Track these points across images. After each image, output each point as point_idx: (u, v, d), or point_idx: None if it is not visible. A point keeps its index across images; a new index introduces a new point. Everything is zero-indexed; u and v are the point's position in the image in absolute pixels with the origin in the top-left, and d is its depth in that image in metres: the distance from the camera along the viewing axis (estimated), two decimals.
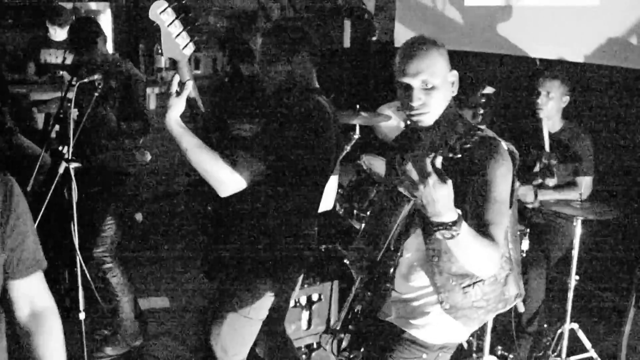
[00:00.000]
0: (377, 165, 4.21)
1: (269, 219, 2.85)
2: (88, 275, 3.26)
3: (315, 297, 4.04)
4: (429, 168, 1.96)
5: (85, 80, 3.26)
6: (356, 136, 4.75)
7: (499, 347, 4.06)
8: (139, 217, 5.99)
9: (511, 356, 4.04)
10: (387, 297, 2.55)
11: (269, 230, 2.86)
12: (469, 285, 2.44)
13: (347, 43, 7.20)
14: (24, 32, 7.25)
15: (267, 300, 2.91)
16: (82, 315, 3.25)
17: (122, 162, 4.17)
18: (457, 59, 5.92)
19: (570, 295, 3.96)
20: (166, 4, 2.50)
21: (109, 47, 8.09)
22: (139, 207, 5.92)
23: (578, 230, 3.87)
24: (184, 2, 2.57)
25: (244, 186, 2.69)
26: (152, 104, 6.84)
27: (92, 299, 3.70)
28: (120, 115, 3.99)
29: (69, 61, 6.37)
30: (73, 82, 3.35)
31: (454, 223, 2.06)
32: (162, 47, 2.54)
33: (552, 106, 4.30)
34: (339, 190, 4.29)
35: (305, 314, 4.01)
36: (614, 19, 4.68)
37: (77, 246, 3.16)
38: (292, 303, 3.89)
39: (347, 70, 7.18)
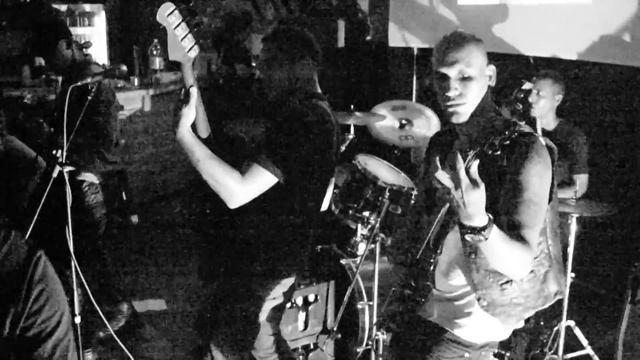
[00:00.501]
0: (372, 164, 4.21)
1: (270, 222, 2.86)
2: (83, 279, 3.25)
3: (311, 298, 4.04)
4: (463, 173, 1.96)
5: (79, 84, 3.23)
6: (350, 136, 4.75)
7: None
8: (134, 219, 5.97)
9: (508, 354, 4.03)
10: (427, 295, 2.55)
11: (270, 232, 2.86)
12: (506, 282, 2.42)
13: (341, 43, 7.21)
14: (19, 35, 7.23)
15: (269, 303, 2.91)
16: (77, 319, 3.25)
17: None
18: None
19: (567, 292, 3.96)
20: (173, 7, 2.50)
21: (103, 49, 8.13)
22: (135, 209, 5.91)
23: (573, 227, 3.87)
24: (190, 4, 2.57)
25: (253, 197, 2.70)
26: (147, 106, 6.83)
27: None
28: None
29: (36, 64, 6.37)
30: (77, 83, 3.31)
31: (484, 228, 2.06)
32: (168, 50, 2.53)
33: (543, 105, 4.30)
34: (335, 191, 4.29)
35: (301, 315, 4.02)
36: (606, 16, 4.69)
37: (72, 249, 3.15)
38: (288, 304, 3.91)
39: (342, 70, 7.18)
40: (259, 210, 2.81)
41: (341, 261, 4.11)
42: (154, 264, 5.64)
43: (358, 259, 4.04)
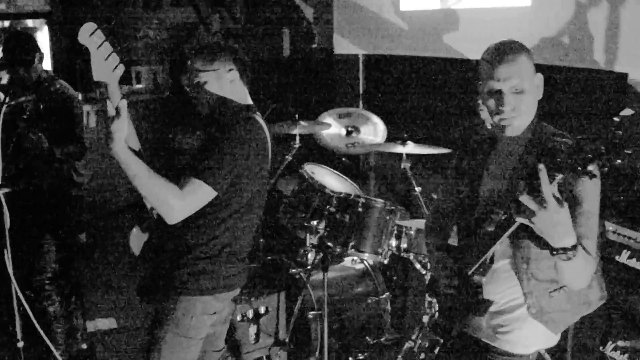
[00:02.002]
0: (319, 173, 4.21)
1: (205, 236, 2.82)
2: (25, 304, 3.17)
3: (262, 310, 4.00)
4: (549, 194, 1.95)
5: (12, 102, 3.17)
6: (296, 145, 4.74)
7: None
8: (82, 237, 5.88)
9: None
10: (481, 308, 2.48)
11: (205, 246, 2.83)
12: (555, 290, 2.43)
13: (286, 52, 7.20)
14: None
15: (207, 318, 2.87)
16: (20, 344, 3.19)
17: (60, 186, 4.09)
18: (398, 64, 5.98)
19: None
20: (95, 26, 2.47)
21: (47, 65, 8.00)
22: (82, 227, 5.82)
23: None
24: (112, 23, 2.55)
25: (193, 211, 2.67)
26: (92, 122, 6.73)
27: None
28: (53, 139, 3.88)
29: (4, 81, 6.24)
30: (6, 102, 3.27)
31: (574, 247, 2.08)
32: (93, 70, 2.49)
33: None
34: (283, 200, 4.27)
35: (252, 328, 3.97)
36: (546, 19, 4.75)
37: (12, 274, 3.08)
38: (239, 317, 3.87)
39: (288, 79, 7.17)
40: (193, 224, 2.78)
41: (291, 271, 4.09)
42: (104, 281, 5.54)
43: (307, 269, 4.03)
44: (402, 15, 5.91)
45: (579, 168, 1.92)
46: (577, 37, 4.58)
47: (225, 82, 2.90)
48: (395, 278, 4.30)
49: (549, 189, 1.96)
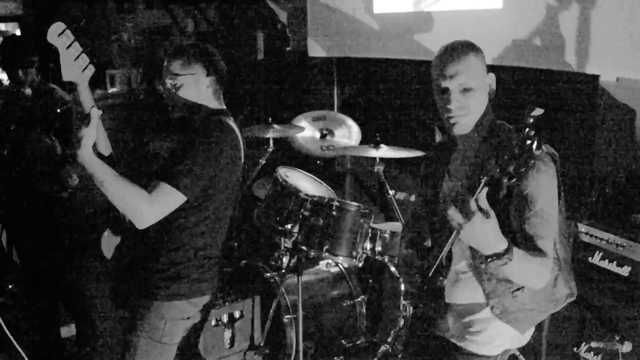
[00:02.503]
0: (293, 176, 4.19)
1: (177, 240, 2.81)
2: None
3: (237, 315, 3.99)
4: (473, 208, 1.98)
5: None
6: (270, 149, 4.72)
7: None
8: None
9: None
10: (442, 310, 2.55)
11: (176, 250, 2.81)
12: (518, 290, 2.44)
13: (260, 54, 7.18)
14: None
15: (181, 323, 2.85)
16: None
17: (54, 188, 4.07)
18: (372, 67, 5.98)
19: None
20: (64, 26, 2.45)
21: None
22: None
23: None
24: (81, 23, 2.54)
25: (162, 216, 2.65)
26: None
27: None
28: (62, 143, 3.90)
29: None
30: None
31: (506, 251, 2.10)
32: (62, 70, 2.48)
33: None
34: (257, 204, 4.25)
35: (227, 333, 3.96)
36: (517, 21, 4.79)
37: None
38: (213, 322, 3.85)
39: (262, 82, 7.16)
40: (165, 229, 2.77)
41: (265, 275, 4.07)
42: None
43: (282, 272, 4.01)
44: (375, 18, 5.92)
45: (527, 152, 1.94)
46: (548, 38, 4.61)
47: (201, 86, 2.87)
48: (370, 281, 4.28)
49: (473, 202, 1.99)
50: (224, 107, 2.99)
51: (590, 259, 3.58)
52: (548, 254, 2.28)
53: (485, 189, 2.00)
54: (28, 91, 3.48)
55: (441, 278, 2.44)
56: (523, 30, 4.76)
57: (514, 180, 1.99)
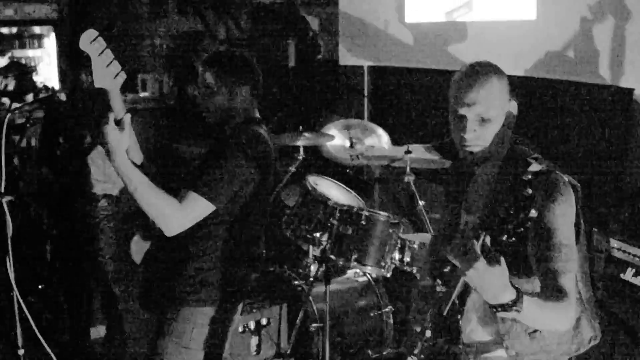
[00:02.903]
0: (323, 185, 4.19)
1: (205, 247, 2.82)
2: (26, 311, 3.17)
3: (264, 322, 3.99)
4: (477, 252, 1.80)
5: (16, 110, 3.19)
6: (300, 157, 4.72)
7: None
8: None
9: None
10: (458, 347, 2.40)
11: (204, 257, 2.82)
12: (535, 331, 2.27)
13: (292, 62, 7.21)
14: None
15: (207, 329, 2.86)
16: (21, 352, 3.19)
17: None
18: (404, 76, 5.95)
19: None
20: (96, 33, 2.46)
21: (54, 71, 8.02)
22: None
23: None
24: (114, 30, 2.55)
25: (191, 224, 2.67)
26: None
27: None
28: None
29: (10, 87, 6.26)
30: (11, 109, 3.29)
31: (514, 302, 1.89)
32: (94, 77, 2.49)
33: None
34: (286, 212, 4.26)
35: (254, 339, 3.96)
36: (551, 33, 4.76)
37: (13, 282, 3.08)
38: (240, 328, 3.86)
39: (292, 89, 7.17)
40: (194, 235, 2.78)
41: (293, 283, 4.07)
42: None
43: (310, 281, 4.01)
44: (407, 27, 5.92)
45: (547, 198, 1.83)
46: (582, 51, 4.58)
47: (236, 95, 2.89)
48: (397, 292, 4.27)
49: (477, 245, 1.82)
50: (257, 115, 2.99)
51: (622, 275, 3.53)
52: (570, 293, 2.06)
53: (488, 239, 1.85)
54: (62, 96, 3.48)
55: (459, 316, 2.33)
56: (557, 42, 4.73)
57: (513, 239, 1.83)
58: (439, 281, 2.50)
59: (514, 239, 1.84)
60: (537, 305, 1.97)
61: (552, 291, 2.05)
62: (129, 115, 2.52)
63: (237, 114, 2.90)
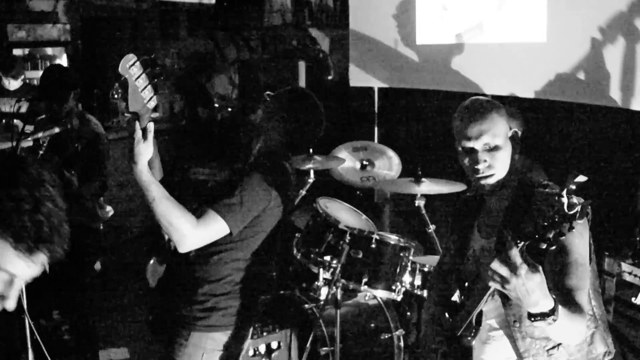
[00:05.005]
0: (333, 207, 4.19)
1: (217, 273, 2.82)
2: (37, 336, 3.18)
3: (274, 345, 3.97)
4: (519, 260, 1.88)
5: (29, 137, 3.20)
6: (311, 180, 4.74)
7: None
8: (97, 266, 5.89)
9: None
10: None
11: (216, 282, 2.83)
12: (553, 348, 2.34)
13: (302, 83, 7.24)
14: None
15: (218, 354, 2.86)
16: None
17: (84, 219, 4.11)
18: (414, 98, 5.95)
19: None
20: (135, 58, 2.48)
21: None
22: (98, 255, 5.83)
23: None
24: (152, 55, 2.57)
25: (205, 243, 2.68)
26: None
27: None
28: (80, 178, 3.93)
29: (23, 110, 6.30)
30: (26, 131, 3.30)
31: (552, 311, 1.98)
32: (129, 101, 2.50)
33: None
34: (297, 235, 4.26)
35: None
36: (561, 55, 4.76)
37: (25, 306, 3.09)
38: (251, 352, 3.84)
39: None
40: (207, 261, 2.79)
41: (303, 306, 4.06)
42: (117, 310, 5.53)
43: (320, 304, 4.00)
44: (417, 49, 5.94)
45: (567, 220, 1.83)
46: (592, 73, 4.58)
47: (254, 119, 2.90)
48: (408, 315, 4.25)
49: (518, 255, 1.88)
50: (285, 145, 3.01)
51: (633, 299, 3.52)
52: (584, 307, 2.18)
53: (525, 247, 1.92)
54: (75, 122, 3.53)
55: (469, 338, 2.35)
56: (567, 64, 4.73)
57: (553, 247, 1.90)
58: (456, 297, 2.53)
59: (554, 247, 1.91)
60: (565, 314, 2.05)
61: (569, 305, 2.13)
62: (152, 124, 2.54)
63: (266, 141, 2.90)
